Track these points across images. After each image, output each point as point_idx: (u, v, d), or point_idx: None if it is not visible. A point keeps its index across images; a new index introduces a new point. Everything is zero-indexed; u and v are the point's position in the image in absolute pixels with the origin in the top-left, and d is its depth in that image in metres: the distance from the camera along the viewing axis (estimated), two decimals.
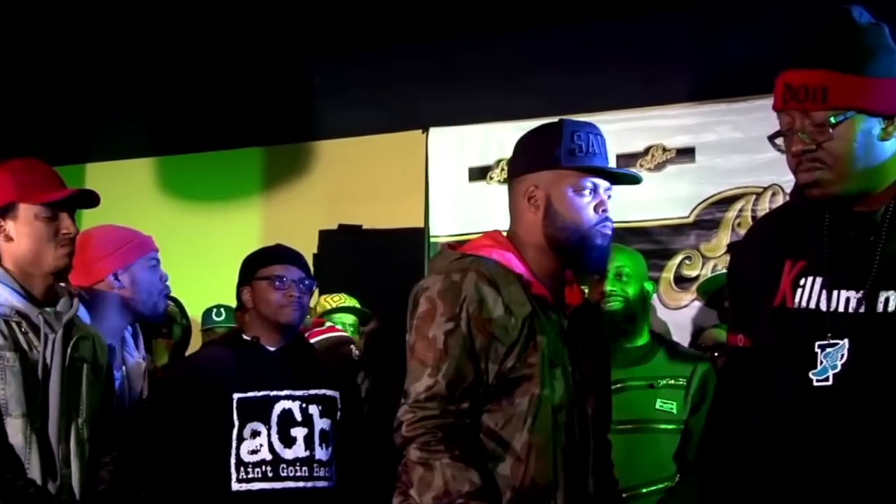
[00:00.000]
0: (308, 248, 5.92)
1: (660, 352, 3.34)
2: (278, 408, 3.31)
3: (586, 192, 2.53)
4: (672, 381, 3.26)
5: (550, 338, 2.48)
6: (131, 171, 6.42)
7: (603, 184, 2.56)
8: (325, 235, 6.00)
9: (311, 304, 4.18)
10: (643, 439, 3.21)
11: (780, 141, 2.13)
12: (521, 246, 2.56)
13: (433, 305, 2.46)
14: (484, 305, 2.44)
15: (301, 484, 3.28)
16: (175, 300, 4.76)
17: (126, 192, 6.21)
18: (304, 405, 3.34)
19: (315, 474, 3.29)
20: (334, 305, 4.83)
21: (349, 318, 4.77)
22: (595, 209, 2.54)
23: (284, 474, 3.28)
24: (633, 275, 3.34)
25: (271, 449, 3.28)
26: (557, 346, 2.49)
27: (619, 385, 3.21)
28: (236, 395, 3.30)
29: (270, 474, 3.27)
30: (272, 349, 3.41)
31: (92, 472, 2.86)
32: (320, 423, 3.35)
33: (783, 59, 2.13)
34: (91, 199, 2.91)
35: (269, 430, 3.29)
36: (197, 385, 3.32)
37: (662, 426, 3.23)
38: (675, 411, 3.22)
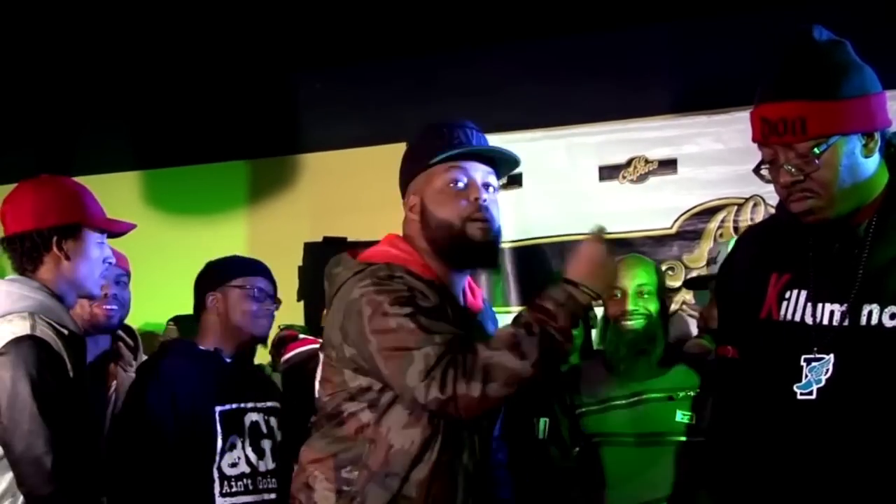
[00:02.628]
0: (293, 261, 5.96)
1: (679, 363, 3.31)
2: (248, 420, 3.30)
3: (459, 183, 2.46)
4: (692, 393, 3.21)
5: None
6: (116, 185, 6.37)
7: (478, 173, 2.47)
8: (310, 248, 6.02)
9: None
10: (663, 452, 3.18)
11: (764, 171, 2.15)
12: (419, 252, 2.49)
13: (376, 303, 2.33)
14: (421, 293, 2.36)
15: (274, 496, 3.28)
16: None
17: (111, 206, 6.10)
18: (266, 416, 3.34)
19: (280, 486, 3.28)
20: None
21: None
22: (468, 199, 2.45)
23: (262, 486, 3.29)
24: (655, 291, 3.30)
25: (248, 461, 3.27)
26: None
27: (638, 397, 3.24)
28: (218, 408, 3.27)
29: (251, 487, 3.27)
30: (229, 360, 3.36)
31: None
32: (277, 435, 3.36)
33: (762, 71, 2.14)
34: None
35: (243, 442, 3.27)
36: (176, 399, 3.25)
37: (683, 438, 3.18)
38: (695, 423, 3.17)
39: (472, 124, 2.55)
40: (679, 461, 3.18)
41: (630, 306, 3.27)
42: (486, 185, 2.49)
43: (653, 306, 3.29)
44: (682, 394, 3.23)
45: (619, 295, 3.28)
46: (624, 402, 3.26)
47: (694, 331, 4.72)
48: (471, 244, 2.45)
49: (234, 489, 3.25)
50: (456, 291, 2.51)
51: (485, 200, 2.45)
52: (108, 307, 3.48)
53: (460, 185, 2.46)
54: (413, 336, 2.28)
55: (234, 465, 3.26)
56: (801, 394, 2.09)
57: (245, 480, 3.26)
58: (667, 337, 3.38)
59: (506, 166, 2.58)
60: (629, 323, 3.27)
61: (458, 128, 2.52)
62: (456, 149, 2.46)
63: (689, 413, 3.20)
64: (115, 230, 2.89)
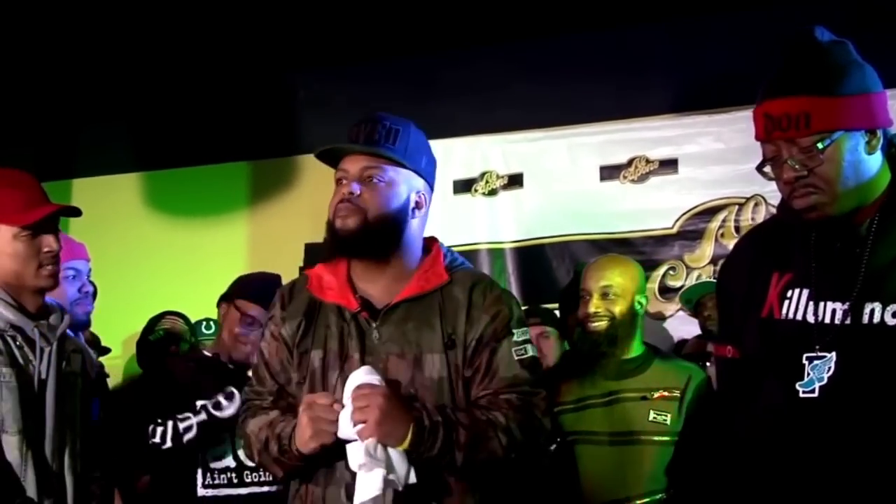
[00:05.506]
0: (294, 261, 5.95)
1: (654, 363, 3.31)
2: None
3: (342, 180, 2.47)
4: (666, 393, 3.22)
5: (330, 347, 2.47)
6: (117, 187, 6.41)
7: (355, 166, 2.46)
8: (310, 248, 6.02)
9: None
10: (636, 451, 3.19)
11: (767, 168, 2.14)
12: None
13: None
14: (275, 324, 2.57)
15: (265, 489, 3.38)
16: (185, 317, 4.82)
17: (112, 208, 6.22)
18: None
19: (275, 479, 3.30)
20: None
21: None
22: (338, 193, 2.48)
23: (249, 480, 3.40)
24: (623, 293, 3.28)
25: (235, 456, 3.40)
26: (339, 351, 2.47)
27: (612, 397, 3.25)
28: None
29: (235, 480, 3.39)
30: (231, 367, 3.53)
31: (84, 486, 2.84)
32: None
33: (763, 70, 2.15)
34: (72, 211, 2.85)
35: (232, 437, 3.37)
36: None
37: (656, 438, 3.19)
38: (668, 423, 3.18)
39: (375, 117, 2.54)
40: (651, 460, 3.20)
41: (591, 308, 3.27)
42: (367, 176, 2.47)
43: (618, 308, 3.27)
44: (655, 394, 3.23)
45: (586, 297, 3.29)
46: (599, 400, 3.27)
47: (692, 331, 4.72)
48: (336, 236, 2.47)
49: (216, 481, 3.38)
50: (371, 289, 2.52)
51: (351, 193, 2.45)
52: (87, 307, 3.49)
53: (342, 181, 2.49)
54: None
55: (218, 458, 3.41)
56: (804, 392, 2.08)
57: (229, 474, 3.40)
58: (641, 336, 3.36)
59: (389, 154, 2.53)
60: (591, 324, 3.28)
61: (353, 126, 2.53)
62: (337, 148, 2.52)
63: (663, 413, 3.21)
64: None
